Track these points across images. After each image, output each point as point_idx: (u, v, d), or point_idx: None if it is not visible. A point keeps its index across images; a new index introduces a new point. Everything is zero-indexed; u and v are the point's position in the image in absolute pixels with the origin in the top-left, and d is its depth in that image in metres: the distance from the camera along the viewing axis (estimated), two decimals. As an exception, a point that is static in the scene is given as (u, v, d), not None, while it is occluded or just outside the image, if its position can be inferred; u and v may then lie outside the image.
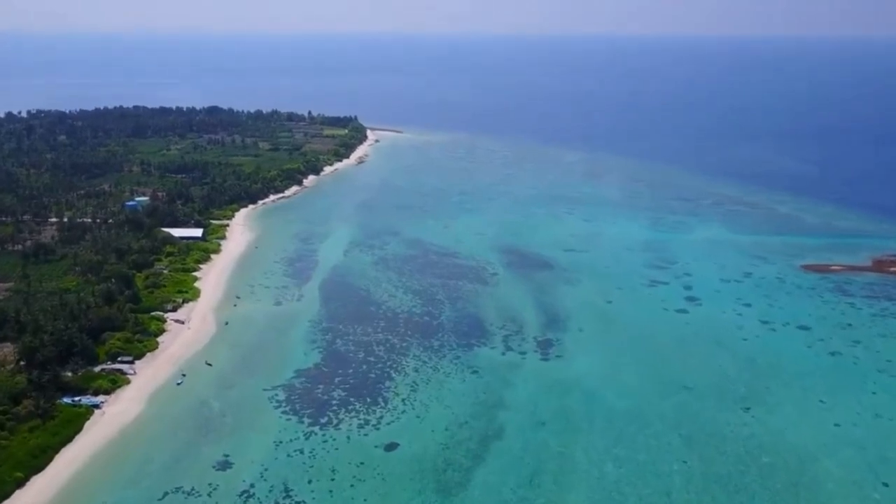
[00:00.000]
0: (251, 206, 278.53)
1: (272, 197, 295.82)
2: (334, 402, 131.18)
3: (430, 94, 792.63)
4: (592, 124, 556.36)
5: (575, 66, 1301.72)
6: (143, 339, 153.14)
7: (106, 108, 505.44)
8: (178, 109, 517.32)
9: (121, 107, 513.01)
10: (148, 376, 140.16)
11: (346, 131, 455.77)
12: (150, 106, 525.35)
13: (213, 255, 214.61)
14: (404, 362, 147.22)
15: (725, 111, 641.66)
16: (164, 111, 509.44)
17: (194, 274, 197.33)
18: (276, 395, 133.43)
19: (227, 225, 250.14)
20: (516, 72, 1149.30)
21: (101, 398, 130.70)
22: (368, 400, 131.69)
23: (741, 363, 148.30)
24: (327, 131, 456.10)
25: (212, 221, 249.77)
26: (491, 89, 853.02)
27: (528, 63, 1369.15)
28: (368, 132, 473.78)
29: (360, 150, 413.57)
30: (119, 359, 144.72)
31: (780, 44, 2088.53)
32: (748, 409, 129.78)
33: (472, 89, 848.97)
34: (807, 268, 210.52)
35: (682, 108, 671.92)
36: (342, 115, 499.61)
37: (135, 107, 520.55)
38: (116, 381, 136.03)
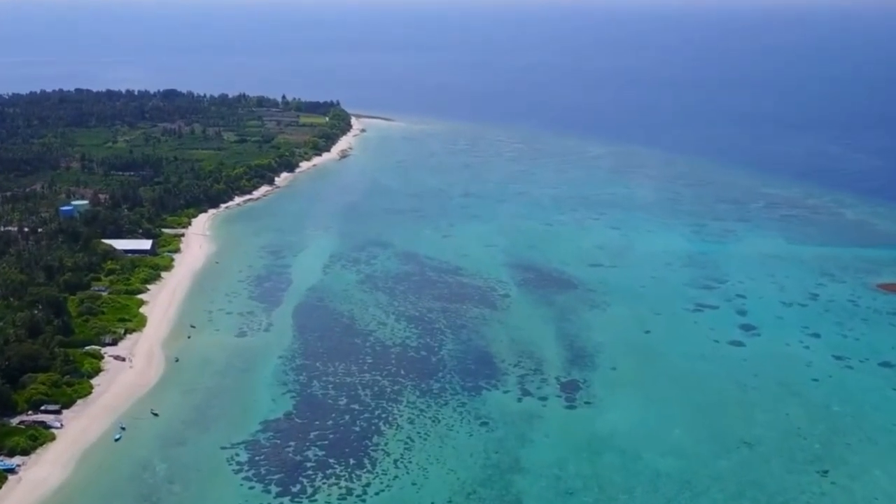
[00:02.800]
0: (212, 211, 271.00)
1: (237, 199, 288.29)
2: (309, 464, 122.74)
3: (425, 74, 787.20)
4: (617, 110, 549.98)
5: (590, 41, 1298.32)
6: (73, 382, 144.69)
7: (43, 92, 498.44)
8: (129, 93, 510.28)
9: (61, 90, 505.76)
10: (78, 430, 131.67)
11: (327, 119, 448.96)
12: (95, 89, 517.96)
13: (163, 273, 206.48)
14: (396, 411, 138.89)
15: (774, 93, 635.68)
16: (111, 95, 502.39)
17: (140, 297, 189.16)
18: (237, 454, 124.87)
19: (183, 235, 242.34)
20: (523, 48, 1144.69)
21: (17, 460, 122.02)
22: (352, 461, 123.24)
23: (813, 411, 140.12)
24: (304, 119, 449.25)
25: (164, 230, 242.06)
26: (496, 69, 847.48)
27: (536, 37, 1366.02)
28: (353, 120, 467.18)
29: (342, 142, 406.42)
30: (43, 408, 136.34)
31: (831, 13, 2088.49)
32: (826, 472, 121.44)
33: (474, 69, 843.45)
34: (884, 287, 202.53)
35: (723, 90, 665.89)
36: (322, 100, 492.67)
37: (77, 90, 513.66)
38: (38, 438, 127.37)
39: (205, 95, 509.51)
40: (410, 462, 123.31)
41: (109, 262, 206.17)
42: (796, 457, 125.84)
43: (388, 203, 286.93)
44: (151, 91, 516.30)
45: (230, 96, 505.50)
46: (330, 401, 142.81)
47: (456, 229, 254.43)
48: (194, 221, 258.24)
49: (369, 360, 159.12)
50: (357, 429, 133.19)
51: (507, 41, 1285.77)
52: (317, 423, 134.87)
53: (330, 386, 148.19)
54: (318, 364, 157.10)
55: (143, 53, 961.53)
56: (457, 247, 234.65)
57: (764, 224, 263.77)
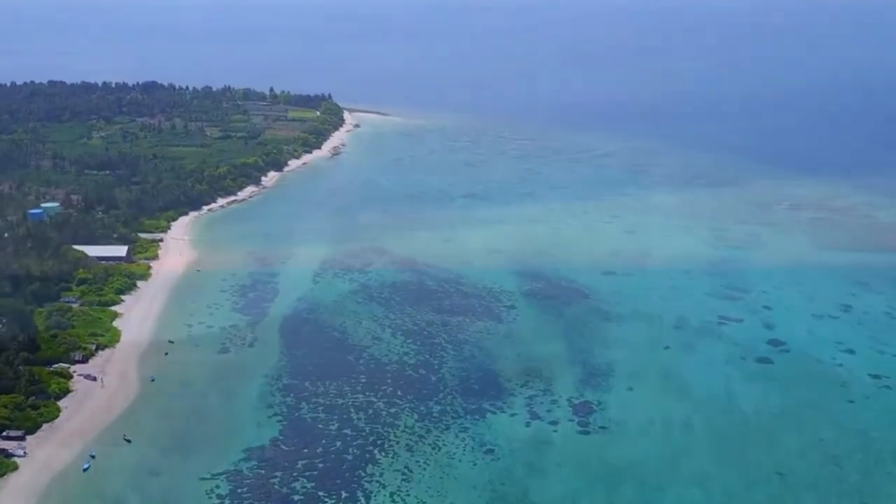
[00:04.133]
0: (193, 214, 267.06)
1: (221, 201, 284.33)
2: (297, 496, 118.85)
3: (421, 65, 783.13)
4: (629, 101, 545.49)
5: (602, 26, 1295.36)
6: (39, 404, 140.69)
7: (14, 84, 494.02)
8: (106, 85, 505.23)
9: (32, 82, 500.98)
10: (43, 459, 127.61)
11: (318, 114, 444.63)
12: (69, 81, 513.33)
13: (139, 283, 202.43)
14: (393, 437, 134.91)
15: (796, 81, 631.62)
16: (86, 88, 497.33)
17: (114, 309, 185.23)
18: (217, 486, 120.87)
19: (161, 240, 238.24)
20: (524, 33, 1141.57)
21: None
22: (344, 494, 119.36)
23: (850, 437, 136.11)
24: (293, 113, 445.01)
25: (141, 235, 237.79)
26: (497, 58, 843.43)
27: (537, 21, 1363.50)
28: (346, 115, 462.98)
29: (334, 139, 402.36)
30: (4, 433, 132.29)
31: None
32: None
33: (474, 58, 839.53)
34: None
35: (741, 78, 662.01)
36: (312, 94, 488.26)
37: (50, 82, 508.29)
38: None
39: (187, 88, 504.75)
40: (408, 495, 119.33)
41: (81, 271, 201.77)
42: (832, 489, 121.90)
43: (384, 205, 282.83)
44: (130, 83, 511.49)
45: (214, 89, 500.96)
46: (320, 425, 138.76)
47: (457, 234, 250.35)
48: (174, 225, 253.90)
49: (363, 380, 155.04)
50: (349, 457, 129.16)
51: (504, 28, 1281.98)
52: (305, 450, 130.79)
53: (320, 408, 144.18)
54: (306, 384, 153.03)
55: (123, 43, 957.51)
56: (458, 253, 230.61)
57: (789, 227, 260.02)
